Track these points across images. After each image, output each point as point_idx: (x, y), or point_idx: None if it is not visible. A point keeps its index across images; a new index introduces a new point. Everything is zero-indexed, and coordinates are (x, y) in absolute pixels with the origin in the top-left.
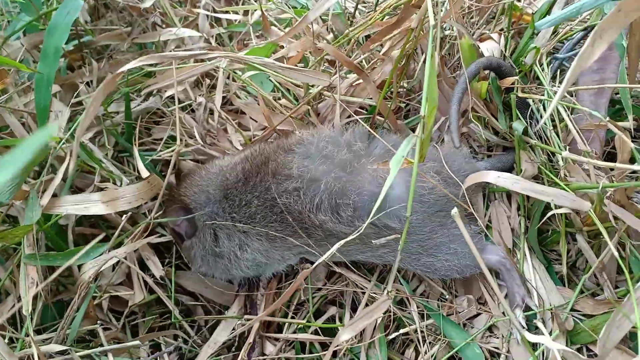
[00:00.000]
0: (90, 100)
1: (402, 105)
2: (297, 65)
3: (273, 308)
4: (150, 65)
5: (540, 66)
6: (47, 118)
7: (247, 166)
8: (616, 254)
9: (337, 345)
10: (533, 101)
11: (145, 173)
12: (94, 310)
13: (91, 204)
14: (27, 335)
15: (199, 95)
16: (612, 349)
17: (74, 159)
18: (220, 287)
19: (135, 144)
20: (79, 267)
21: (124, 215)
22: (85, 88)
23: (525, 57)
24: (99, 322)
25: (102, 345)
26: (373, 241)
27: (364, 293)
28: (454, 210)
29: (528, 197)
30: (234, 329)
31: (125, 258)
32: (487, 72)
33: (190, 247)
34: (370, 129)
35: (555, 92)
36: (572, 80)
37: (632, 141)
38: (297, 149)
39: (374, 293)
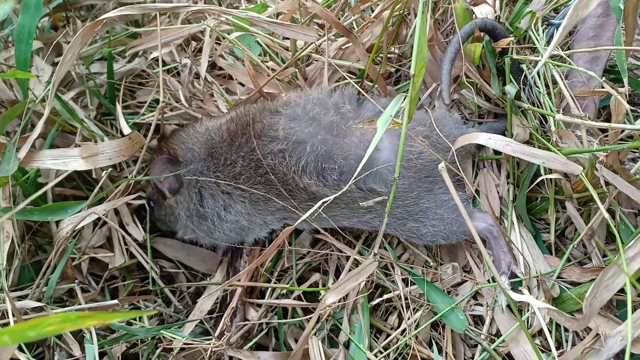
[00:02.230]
0: (69, 46)
1: (393, 70)
2: None
3: (258, 263)
4: (136, 26)
5: (536, 31)
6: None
7: (233, 127)
8: (607, 216)
9: (322, 309)
10: (527, 67)
11: (127, 130)
12: (73, 270)
13: (70, 159)
14: (1, 290)
15: (185, 57)
16: (598, 309)
17: (50, 102)
18: (202, 255)
19: (118, 103)
20: (57, 225)
21: (104, 172)
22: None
23: (520, 22)
24: (76, 281)
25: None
26: (361, 203)
27: (348, 259)
28: (441, 165)
29: (518, 164)
30: (218, 296)
31: (105, 217)
32: (481, 34)
33: (173, 205)
34: (360, 89)
35: (550, 57)
36: (569, 29)
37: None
38: (284, 111)
39: (360, 256)
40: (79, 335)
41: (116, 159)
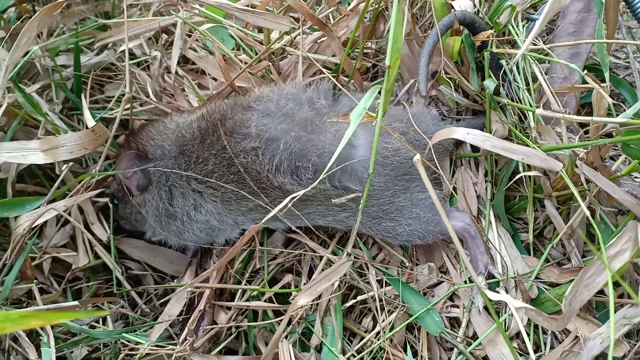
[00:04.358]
0: (24, 28)
1: (369, 65)
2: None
3: (225, 261)
4: (106, 18)
5: (516, 26)
6: None
7: (203, 124)
8: (588, 213)
9: (293, 311)
10: (506, 62)
11: (91, 123)
12: (32, 270)
13: (29, 152)
14: None
15: (155, 50)
16: (578, 309)
17: (3, 85)
18: (169, 256)
19: (85, 97)
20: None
21: (65, 165)
22: (35, 39)
23: (500, 16)
24: (35, 282)
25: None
26: (333, 200)
27: (321, 259)
28: (416, 157)
29: (496, 162)
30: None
31: (69, 214)
32: (460, 28)
33: (141, 203)
34: (335, 82)
35: (530, 52)
36: (551, 15)
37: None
38: (256, 106)
39: (333, 255)
40: (37, 339)
41: (78, 153)
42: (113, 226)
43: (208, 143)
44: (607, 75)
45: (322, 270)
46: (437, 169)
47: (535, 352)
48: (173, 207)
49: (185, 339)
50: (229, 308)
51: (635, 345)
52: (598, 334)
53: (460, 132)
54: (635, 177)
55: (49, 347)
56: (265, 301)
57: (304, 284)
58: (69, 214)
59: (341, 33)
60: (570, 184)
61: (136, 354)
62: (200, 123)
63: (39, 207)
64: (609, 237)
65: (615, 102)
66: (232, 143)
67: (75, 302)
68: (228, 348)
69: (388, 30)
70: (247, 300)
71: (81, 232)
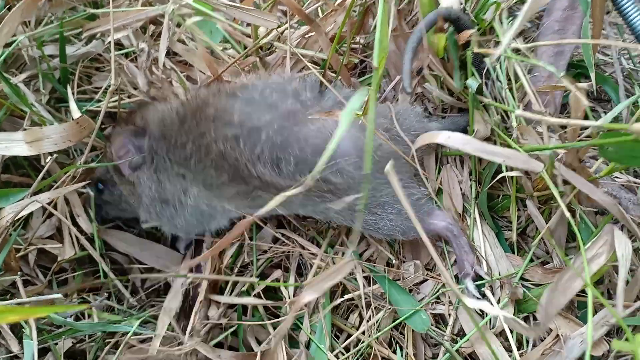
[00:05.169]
0: (4, 21)
1: (357, 61)
2: None
3: (217, 250)
4: (94, 8)
5: (500, 23)
6: None
7: (182, 110)
8: (568, 214)
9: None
10: (489, 60)
11: (77, 114)
12: (17, 262)
13: (13, 144)
14: None
15: (142, 42)
16: (555, 315)
17: None
18: (156, 250)
19: (72, 88)
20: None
21: (49, 157)
22: (22, 28)
23: (485, 13)
24: (19, 273)
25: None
26: (329, 205)
27: (311, 255)
28: (389, 164)
29: (480, 160)
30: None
31: (55, 207)
32: (444, 25)
33: (136, 182)
34: (321, 78)
35: (513, 49)
36: (532, 12)
37: (591, 108)
38: (241, 95)
39: (318, 249)
40: (20, 331)
41: (62, 145)
42: (95, 214)
43: (186, 128)
44: (592, 75)
45: (318, 268)
46: (419, 168)
47: (518, 349)
48: (164, 189)
49: (191, 331)
50: (218, 302)
51: None
52: (579, 333)
53: (442, 137)
54: (616, 177)
55: (31, 340)
56: (255, 296)
57: (292, 279)
58: (55, 206)
59: (329, 28)
60: (551, 184)
61: (133, 346)
62: (179, 109)
63: (23, 199)
64: (589, 236)
65: (601, 99)
66: (213, 129)
67: (59, 295)
68: (218, 342)
69: (376, 26)
70: (238, 294)
71: (67, 224)
